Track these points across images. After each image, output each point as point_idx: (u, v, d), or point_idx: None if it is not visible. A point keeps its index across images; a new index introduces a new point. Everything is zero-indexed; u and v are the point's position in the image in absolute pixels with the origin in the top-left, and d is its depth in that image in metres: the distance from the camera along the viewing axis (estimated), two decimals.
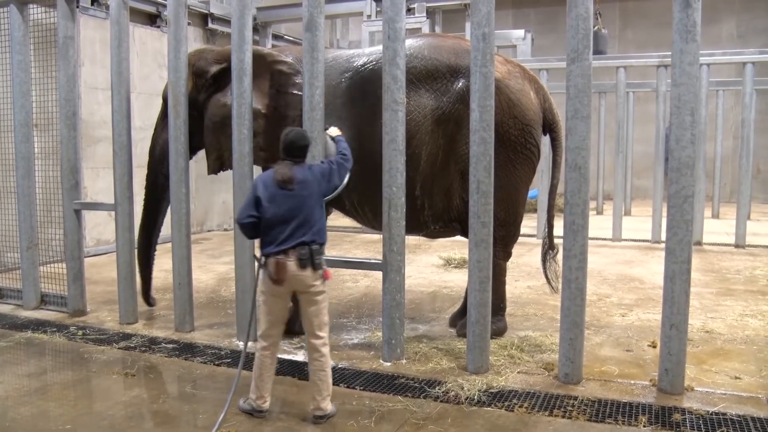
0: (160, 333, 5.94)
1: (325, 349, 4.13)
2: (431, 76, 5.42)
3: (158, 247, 6.52)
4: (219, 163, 5.88)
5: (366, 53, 5.70)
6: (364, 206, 5.61)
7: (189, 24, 10.21)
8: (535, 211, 12.29)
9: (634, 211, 15.59)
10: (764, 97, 17.10)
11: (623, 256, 10.16)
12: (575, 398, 4.36)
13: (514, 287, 7.61)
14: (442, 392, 4.47)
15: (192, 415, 4.22)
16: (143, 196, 6.30)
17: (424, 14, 12.93)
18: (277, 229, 4.00)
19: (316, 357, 4.11)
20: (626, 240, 11.56)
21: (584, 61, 4.46)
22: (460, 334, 5.62)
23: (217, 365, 5.10)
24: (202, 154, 6.15)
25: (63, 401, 4.41)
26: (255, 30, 12.94)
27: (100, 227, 10.21)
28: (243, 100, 5.44)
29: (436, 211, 5.59)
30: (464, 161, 5.21)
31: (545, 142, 5.98)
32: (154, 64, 11.28)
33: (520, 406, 4.22)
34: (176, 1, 5.71)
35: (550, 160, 6.00)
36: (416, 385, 4.63)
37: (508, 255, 5.77)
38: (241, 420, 4.08)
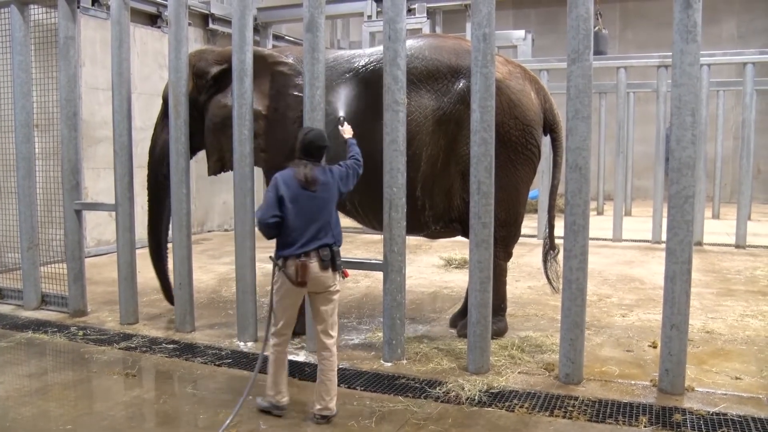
0: (161, 333, 5.94)
1: (335, 349, 4.15)
2: (432, 76, 5.42)
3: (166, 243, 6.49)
4: (220, 164, 5.88)
5: (367, 54, 5.70)
6: (365, 206, 5.61)
7: (190, 24, 10.21)
8: (535, 211, 12.30)
9: (635, 211, 15.59)
10: (764, 98, 17.10)
11: (624, 256, 10.16)
12: (576, 398, 4.36)
13: (514, 287, 7.61)
14: (443, 392, 4.47)
15: (192, 415, 4.22)
16: (147, 198, 6.29)
17: (425, 15, 12.94)
18: (299, 230, 3.99)
19: (326, 356, 4.11)
20: (627, 240, 11.56)
21: (585, 62, 4.46)
22: (461, 334, 5.62)
23: (218, 365, 5.10)
24: (202, 154, 6.15)
25: (63, 401, 4.41)
26: (256, 30, 12.95)
27: (100, 227, 10.21)
28: (244, 100, 5.44)
29: (437, 212, 5.59)
30: (465, 162, 5.21)
31: (546, 142, 5.99)
32: (155, 64, 11.29)
33: (520, 407, 4.22)
34: (177, 2, 5.71)
35: (551, 160, 6.01)
36: (417, 385, 4.63)
37: (509, 255, 5.77)
38: (242, 420, 4.08)
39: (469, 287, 4.96)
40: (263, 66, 5.64)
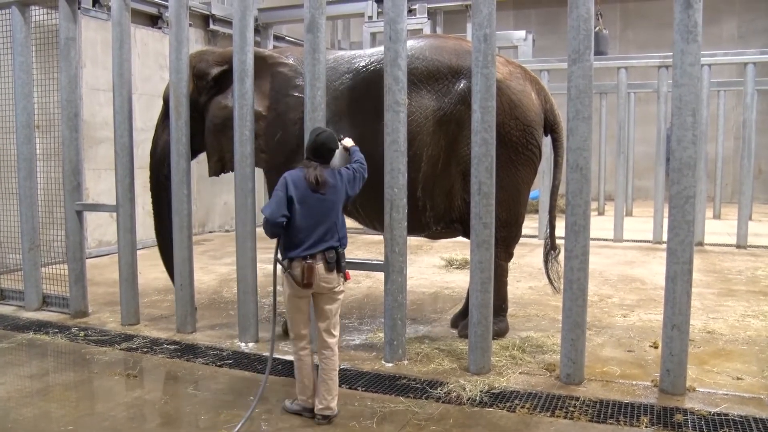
0: (162, 334, 5.94)
1: (337, 348, 4.17)
2: (433, 77, 5.42)
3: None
4: (220, 165, 5.88)
5: (367, 54, 5.70)
6: (366, 207, 5.61)
7: (190, 25, 10.19)
8: (536, 212, 12.30)
9: (636, 211, 15.58)
10: (765, 98, 17.10)
11: (625, 256, 10.16)
12: (577, 399, 4.36)
13: (515, 288, 7.61)
14: (444, 393, 4.47)
15: (194, 416, 4.22)
16: (151, 200, 6.29)
17: (426, 15, 12.94)
18: (305, 232, 3.99)
19: (328, 355, 4.12)
20: (628, 241, 11.56)
21: (585, 62, 4.46)
22: (462, 335, 5.62)
23: (219, 366, 5.10)
24: (203, 155, 6.15)
25: (65, 402, 4.41)
26: (256, 31, 12.95)
27: (101, 228, 10.22)
28: (245, 101, 5.44)
29: (438, 212, 5.59)
30: (466, 162, 5.21)
31: (546, 143, 5.99)
32: (156, 65, 11.29)
33: (521, 407, 4.22)
34: (178, 3, 5.72)
35: (552, 161, 6.00)
36: (418, 385, 4.63)
37: (510, 256, 5.77)
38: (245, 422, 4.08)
39: (470, 288, 4.96)
40: (264, 67, 5.65)
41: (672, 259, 4.36)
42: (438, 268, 9.23)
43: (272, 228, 3.99)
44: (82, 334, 5.94)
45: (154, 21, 11.53)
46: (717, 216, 14.88)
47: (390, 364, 5.08)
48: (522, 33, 13.53)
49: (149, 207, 6.36)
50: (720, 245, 11.09)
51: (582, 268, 4.55)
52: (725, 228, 12.66)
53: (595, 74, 4.70)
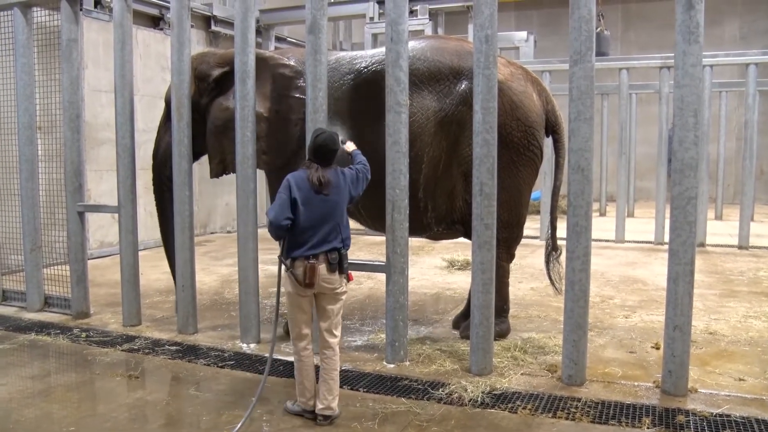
0: (164, 335, 5.95)
1: (338, 348, 4.17)
2: (434, 78, 5.42)
3: (160, 249, 6.50)
4: (222, 166, 5.88)
5: (369, 55, 5.70)
6: (368, 208, 5.61)
7: (192, 26, 10.20)
8: (538, 212, 12.30)
9: (637, 212, 15.58)
10: (767, 99, 17.07)
11: (626, 257, 10.15)
12: (578, 400, 4.36)
13: (517, 289, 7.61)
14: (446, 394, 4.46)
15: (196, 417, 4.22)
16: (154, 202, 6.29)
17: (427, 16, 12.95)
18: (309, 232, 4.00)
19: (329, 356, 4.12)
20: (629, 241, 11.56)
21: (587, 63, 4.46)
22: (464, 335, 5.62)
23: (221, 367, 5.10)
24: (205, 157, 6.15)
25: (67, 403, 4.41)
26: (258, 32, 12.99)
27: (103, 229, 10.23)
28: (246, 102, 5.45)
29: (440, 213, 5.59)
30: (467, 163, 5.21)
31: (548, 143, 5.98)
32: (157, 66, 11.31)
33: (523, 408, 4.22)
34: (179, 4, 5.72)
35: (553, 161, 6.00)
36: (420, 386, 4.63)
37: (512, 257, 5.77)
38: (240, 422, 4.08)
39: (472, 289, 4.96)
40: (265, 68, 5.65)
41: (674, 260, 4.35)
42: (439, 269, 9.23)
43: (277, 230, 4.00)
44: (83, 335, 5.95)
45: (155, 22, 11.54)
46: (719, 217, 14.87)
47: (392, 365, 5.08)
48: (523, 34, 13.54)
49: (151, 208, 6.37)
50: (722, 246, 11.09)
51: (584, 269, 4.55)
52: (727, 229, 12.65)
53: (597, 75, 4.70)
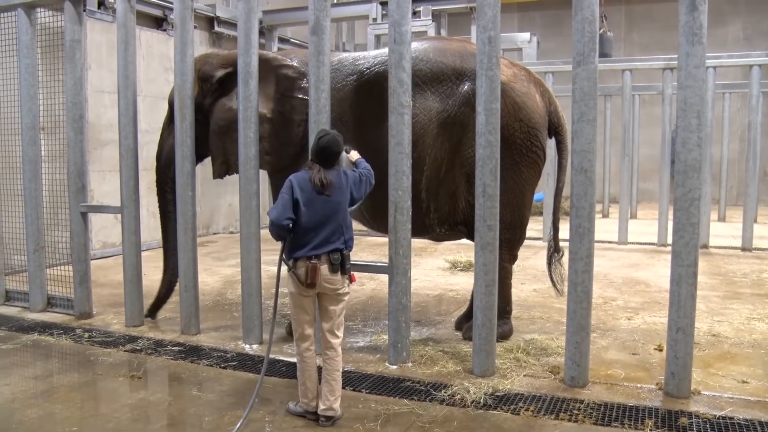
0: (166, 336, 5.95)
1: (340, 349, 4.17)
2: (437, 79, 5.42)
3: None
4: (225, 167, 5.89)
5: (371, 56, 5.70)
6: (370, 209, 5.61)
7: (195, 27, 10.23)
8: (540, 214, 12.29)
9: (640, 214, 15.57)
10: None
11: (629, 259, 10.13)
12: (581, 402, 4.35)
13: (519, 290, 7.60)
14: (448, 395, 4.46)
15: (198, 417, 4.22)
16: (158, 203, 6.30)
17: (430, 17, 12.95)
18: (311, 233, 4.01)
19: (332, 356, 4.12)
20: (632, 243, 11.54)
21: (590, 64, 4.45)
22: (466, 337, 5.62)
23: (223, 368, 5.10)
24: (208, 158, 6.15)
25: (69, 403, 4.42)
26: (261, 33, 13.00)
27: (106, 230, 10.24)
28: (249, 103, 5.45)
29: (442, 214, 5.59)
30: (470, 164, 5.21)
31: (551, 145, 5.98)
32: (161, 67, 11.32)
33: (526, 410, 4.21)
34: (182, 5, 5.73)
35: (556, 163, 6.00)
36: (422, 388, 4.62)
37: (514, 258, 5.77)
38: (247, 422, 4.08)
39: (475, 290, 4.96)
40: (268, 69, 5.65)
41: (677, 262, 4.35)
42: (442, 270, 9.22)
43: (278, 230, 4.00)
44: (86, 335, 5.95)
45: (159, 23, 11.56)
46: (722, 218, 14.84)
47: (394, 367, 5.08)
48: (526, 35, 13.52)
49: (153, 209, 6.38)
50: (725, 248, 11.07)
51: (586, 271, 4.55)
52: (730, 230, 12.63)
53: (600, 76, 4.70)
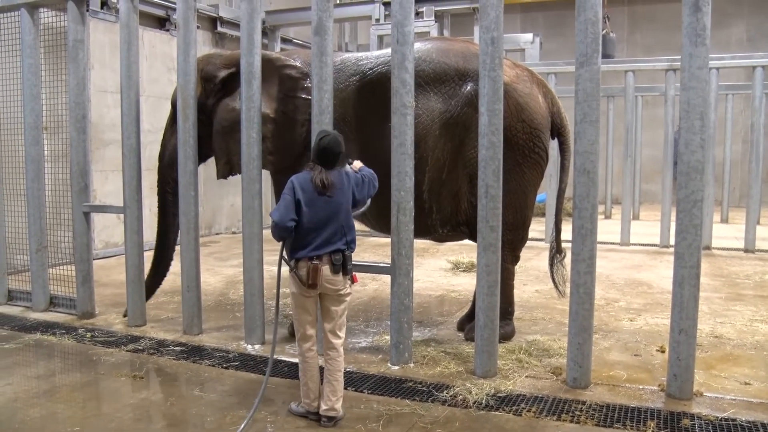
0: (169, 336, 5.96)
1: (342, 350, 4.17)
2: (440, 79, 5.42)
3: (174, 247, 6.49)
4: (228, 167, 5.89)
5: (374, 56, 5.70)
6: (373, 210, 5.60)
7: (198, 27, 10.23)
8: (543, 215, 12.27)
9: (643, 215, 15.54)
10: None
11: (632, 260, 10.12)
12: (583, 403, 4.35)
13: (522, 291, 7.59)
14: (450, 396, 4.46)
15: (200, 417, 4.22)
16: (157, 203, 6.30)
17: (433, 18, 12.95)
18: (313, 234, 4.01)
19: (333, 356, 4.12)
20: (635, 244, 11.52)
21: (593, 65, 4.45)
22: (468, 338, 5.62)
23: (225, 368, 5.10)
24: (211, 158, 6.16)
25: (71, 403, 4.42)
26: (264, 34, 13.01)
27: (108, 230, 10.25)
28: (252, 103, 5.45)
29: (445, 215, 5.59)
30: (472, 165, 5.20)
31: (553, 146, 5.98)
32: (163, 67, 11.33)
33: (528, 411, 4.21)
34: (185, 5, 5.73)
35: (558, 164, 6.00)
36: (424, 388, 4.62)
37: (517, 259, 5.77)
38: (249, 423, 4.08)
39: (477, 291, 4.96)
40: (271, 69, 5.65)
41: (679, 263, 4.34)
42: (444, 271, 9.22)
43: (281, 232, 4.01)
44: (88, 335, 5.96)
45: (161, 23, 11.57)
46: (725, 220, 14.81)
47: (396, 367, 5.08)
48: (529, 36, 13.52)
49: (156, 208, 6.37)
50: (728, 249, 11.05)
51: (589, 272, 4.54)
52: (733, 232, 12.61)
53: (603, 77, 4.69)
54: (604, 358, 5.27)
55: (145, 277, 6.35)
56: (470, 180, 5.37)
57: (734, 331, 6.08)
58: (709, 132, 8.60)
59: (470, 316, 5.90)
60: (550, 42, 17.94)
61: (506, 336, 5.56)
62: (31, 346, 5.74)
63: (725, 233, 12.51)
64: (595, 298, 4.64)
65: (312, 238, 4.01)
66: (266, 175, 5.88)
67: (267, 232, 4.65)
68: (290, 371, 4.93)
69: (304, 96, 5.59)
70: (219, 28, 12.76)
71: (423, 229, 5.56)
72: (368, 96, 5.51)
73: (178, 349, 5.58)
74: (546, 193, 11.89)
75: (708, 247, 10.87)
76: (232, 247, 11.29)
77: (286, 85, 5.67)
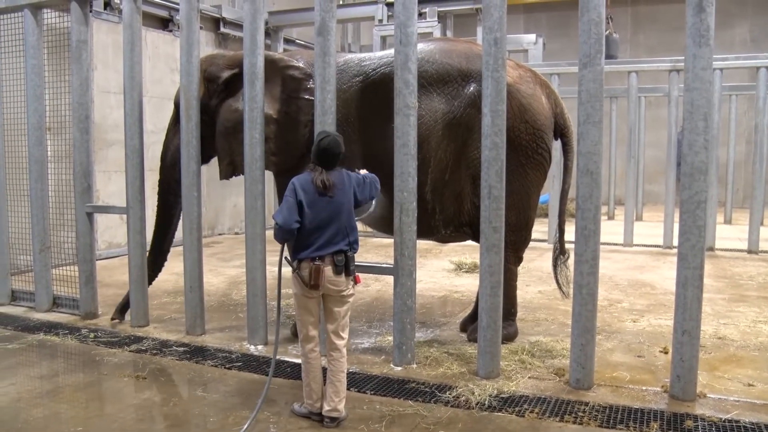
0: (171, 336, 5.96)
1: (345, 351, 4.17)
2: (443, 80, 5.42)
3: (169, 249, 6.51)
4: (231, 168, 5.89)
5: (377, 57, 5.70)
6: (375, 210, 5.60)
7: (201, 28, 10.24)
8: (546, 216, 12.26)
9: (646, 216, 15.52)
10: None
11: (635, 261, 10.11)
12: (586, 404, 4.34)
13: (525, 292, 7.58)
14: (453, 397, 4.46)
15: (202, 418, 4.23)
16: (157, 203, 6.30)
17: (436, 19, 12.97)
18: (315, 234, 4.01)
19: (336, 357, 4.12)
20: (638, 245, 11.51)
21: (596, 66, 4.44)
22: (471, 338, 5.61)
23: (228, 369, 5.10)
24: (214, 158, 6.16)
25: (74, 403, 4.43)
26: (267, 34, 12.95)
27: (111, 230, 10.27)
28: (255, 104, 5.46)
29: (447, 216, 5.58)
30: (475, 166, 5.20)
31: (556, 146, 5.97)
32: (167, 68, 11.35)
33: (530, 412, 4.20)
34: (188, 6, 5.74)
35: (562, 164, 5.99)
36: (427, 389, 4.62)
37: (519, 260, 5.76)
38: (252, 423, 4.08)
39: (480, 291, 4.95)
40: (274, 70, 5.66)
41: (683, 264, 4.33)
42: (447, 271, 9.22)
43: (285, 234, 4.02)
44: (91, 335, 5.97)
45: (165, 24, 11.59)
46: (728, 221, 14.79)
47: (399, 368, 5.07)
48: (532, 37, 13.52)
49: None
50: (731, 250, 11.03)
51: (592, 273, 4.54)
52: (736, 233, 12.59)
53: (606, 78, 4.68)
54: (607, 359, 5.26)
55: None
56: (473, 181, 5.37)
57: (738, 332, 6.07)
58: (713, 133, 8.59)
59: (473, 316, 5.89)
60: (553, 43, 17.93)
61: (509, 337, 5.56)
62: (34, 346, 5.75)
63: (729, 234, 12.49)
64: (598, 299, 4.63)
65: (314, 239, 4.01)
66: (269, 175, 5.88)
67: (269, 233, 4.65)
68: (293, 372, 4.93)
69: (307, 97, 5.59)
70: (222, 29, 12.77)
71: (426, 230, 5.55)
72: (371, 97, 5.51)
73: (181, 349, 5.58)
74: (549, 193, 11.89)
75: (711, 248, 10.84)
76: (234, 247, 11.30)
77: (289, 86, 5.67)
